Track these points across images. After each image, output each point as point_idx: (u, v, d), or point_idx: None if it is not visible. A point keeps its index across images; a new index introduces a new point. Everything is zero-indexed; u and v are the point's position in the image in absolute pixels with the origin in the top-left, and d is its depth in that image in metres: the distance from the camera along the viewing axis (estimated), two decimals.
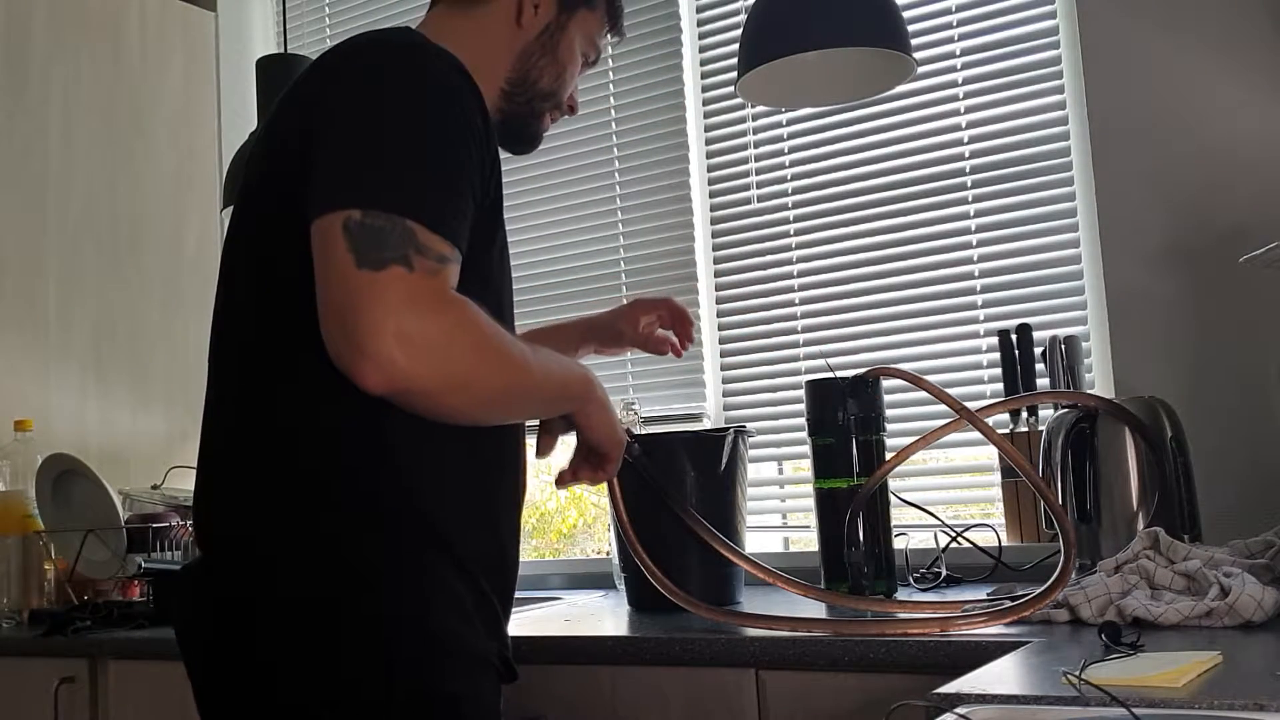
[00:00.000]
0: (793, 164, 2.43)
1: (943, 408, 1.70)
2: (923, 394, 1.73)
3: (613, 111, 2.63)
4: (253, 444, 1.26)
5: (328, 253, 1.12)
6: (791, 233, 2.42)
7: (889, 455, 1.83)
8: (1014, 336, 2.08)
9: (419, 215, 1.14)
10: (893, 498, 1.88)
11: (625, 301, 2.57)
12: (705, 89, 2.55)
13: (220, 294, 1.41)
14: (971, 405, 1.72)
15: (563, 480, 1.45)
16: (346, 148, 1.18)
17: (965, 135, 2.26)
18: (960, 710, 0.94)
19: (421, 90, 1.21)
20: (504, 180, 1.32)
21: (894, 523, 1.86)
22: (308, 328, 1.15)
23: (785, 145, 2.44)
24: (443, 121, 1.20)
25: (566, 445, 1.45)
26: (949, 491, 2.34)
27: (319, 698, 1.18)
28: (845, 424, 1.81)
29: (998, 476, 2.11)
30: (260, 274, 1.29)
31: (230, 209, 2.39)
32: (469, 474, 1.28)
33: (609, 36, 1.56)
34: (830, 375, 1.84)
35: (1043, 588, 1.50)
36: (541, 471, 3.24)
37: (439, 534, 1.24)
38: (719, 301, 2.49)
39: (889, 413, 1.88)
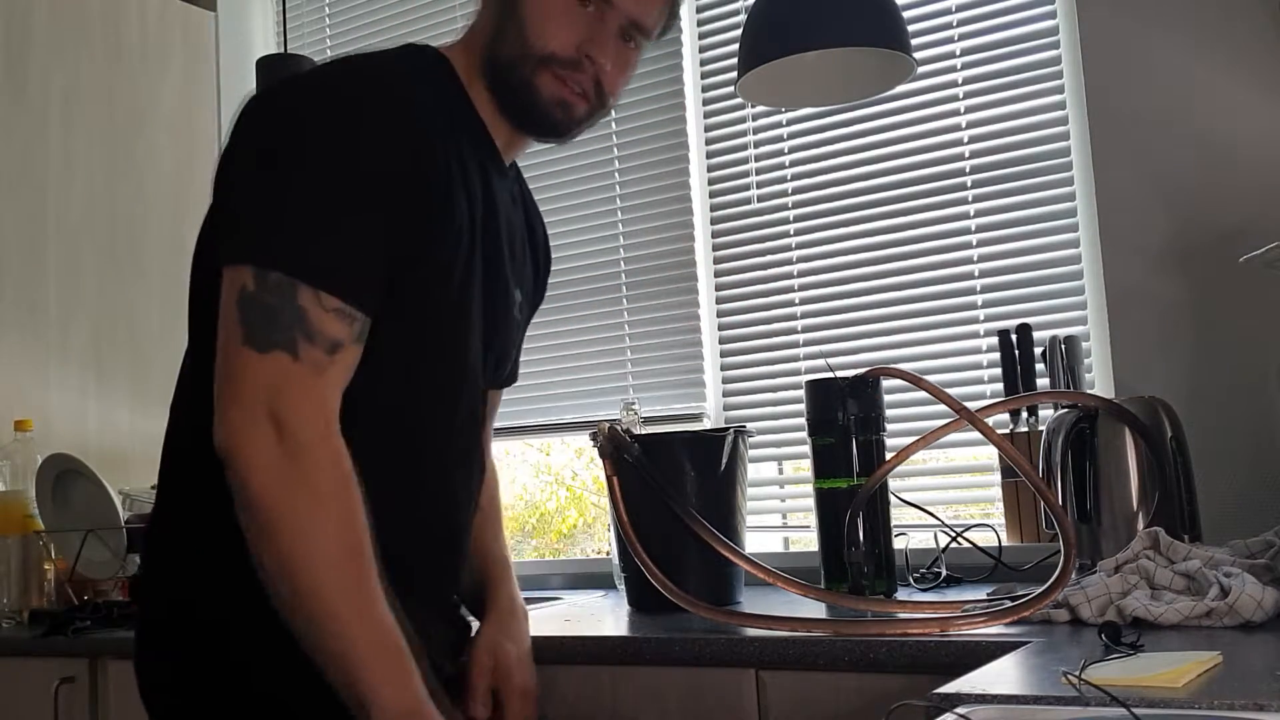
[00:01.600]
0: (793, 164, 2.43)
1: (943, 408, 1.70)
2: (923, 394, 1.73)
3: (613, 111, 2.62)
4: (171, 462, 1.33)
5: (225, 318, 1.14)
6: (791, 233, 2.42)
7: (889, 455, 1.83)
8: (1014, 336, 2.08)
9: (309, 275, 1.12)
10: (893, 498, 1.89)
11: (625, 300, 2.58)
12: (705, 89, 2.55)
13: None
14: (971, 405, 1.72)
15: None
16: (250, 194, 1.17)
17: (965, 135, 2.26)
18: (960, 710, 0.94)
19: (335, 137, 1.17)
20: None
21: (894, 523, 1.86)
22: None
23: (785, 145, 2.44)
24: (355, 172, 1.16)
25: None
26: (949, 491, 2.34)
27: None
28: (845, 424, 1.81)
29: (998, 476, 2.11)
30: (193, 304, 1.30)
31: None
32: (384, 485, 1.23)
33: None
34: (830, 375, 1.84)
35: (1043, 588, 1.50)
36: (542, 472, 3.24)
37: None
38: (719, 301, 2.49)
39: (889, 413, 1.88)
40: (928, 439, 1.78)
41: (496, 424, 1.59)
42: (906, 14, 1.95)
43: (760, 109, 2.44)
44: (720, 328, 2.49)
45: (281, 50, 2.59)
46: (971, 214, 2.25)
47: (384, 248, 1.17)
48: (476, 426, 1.39)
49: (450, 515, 1.35)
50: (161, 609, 1.27)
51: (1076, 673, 1.04)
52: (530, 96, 1.31)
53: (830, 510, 1.82)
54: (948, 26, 2.29)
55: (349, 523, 1.12)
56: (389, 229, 1.18)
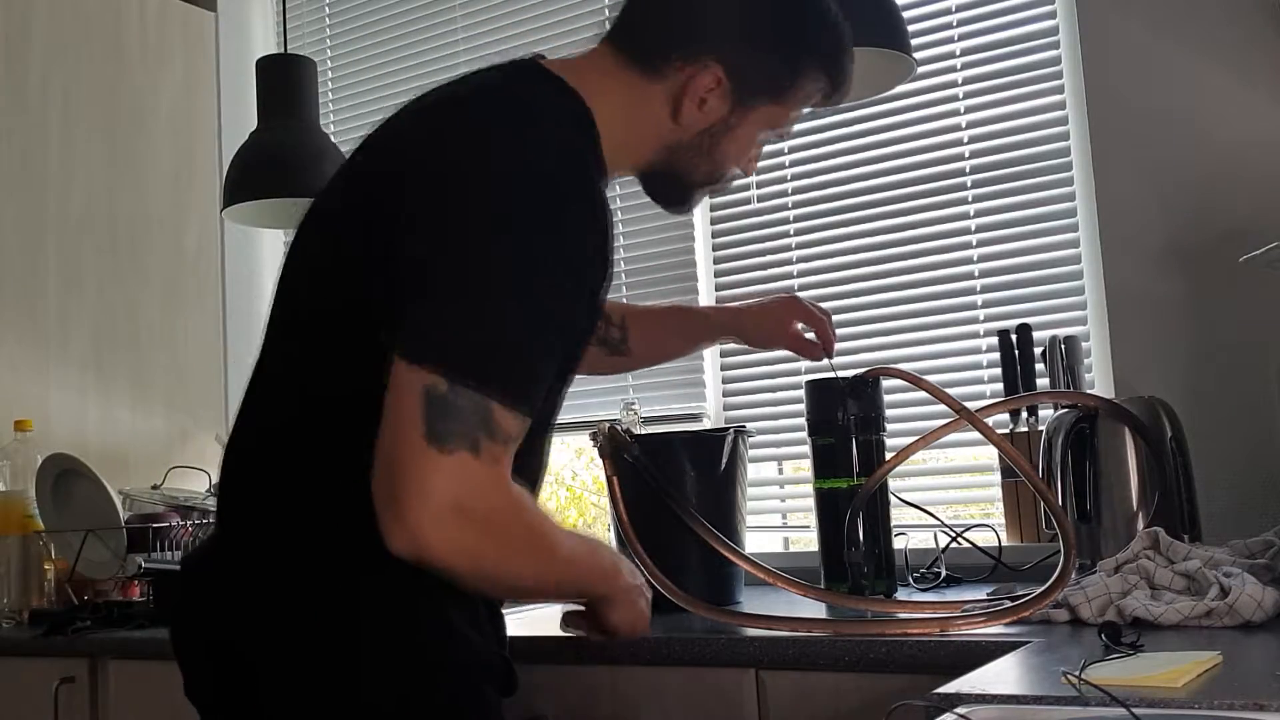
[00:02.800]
0: (793, 164, 2.43)
1: (943, 408, 1.70)
2: (923, 394, 1.73)
3: None
4: (277, 463, 1.26)
5: (401, 410, 1.10)
6: (791, 233, 2.42)
7: (889, 455, 1.83)
8: (1014, 336, 2.07)
9: (502, 396, 1.11)
10: (893, 498, 1.88)
11: (625, 300, 2.58)
12: None
13: (280, 325, 1.33)
14: (971, 405, 1.72)
15: (564, 623, 1.48)
16: (454, 288, 1.13)
17: (965, 135, 2.26)
18: (960, 710, 0.94)
19: (531, 215, 1.14)
20: None
21: (894, 523, 1.86)
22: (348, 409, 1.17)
23: (785, 145, 2.43)
24: (552, 255, 1.15)
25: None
26: (949, 491, 2.34)
27: (333, 714, 1.19)
28: (845, 424, 1.81)
29: (998, 476, 2.11)
30: (320, 352, 1.25)
31: (229, 209, 2.40)
32: None
33: (823, 105, 1.44)
34: (830, 375, 1.84)
35: (1043, 588, 1.50)
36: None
37: None
38: (719, 302, 2.49)
39: (889, 413, 1.88)
40: (928, 439, 1.78)
41: None
42: (906, 14, 1.95)
43: None
44: None
45: (281, 50, 2.58)
46: (971, 214, 2.25)
47: (565, 341, 1.21)
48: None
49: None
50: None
51: (1076, 673, 1.04)
52: (686, 203, 1.44)
53: (830, 510, 1.82)
54: (948, 26, 2.29)
55: (539, 522, 1.22)
56: (577, 317, 1.22)
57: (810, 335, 1.81)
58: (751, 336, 1.83)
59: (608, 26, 1.38)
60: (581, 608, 1.43)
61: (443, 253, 1.14)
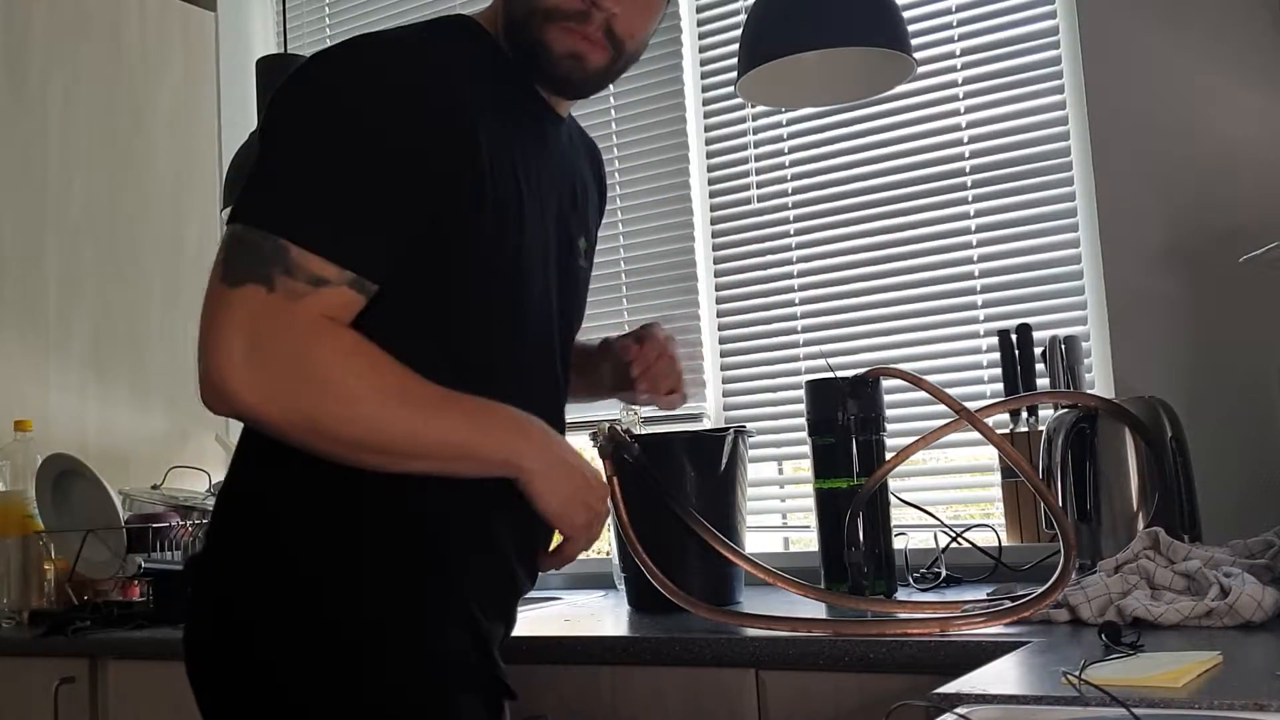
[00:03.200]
0: (793, 164, 2.43)
1: (943, 407, 1.70)
2: (923, 394, 1.73)
3: (613, 111, 2.63)
4: (256, 466, 1.26)
5: (215, 263, 1.14)
6: (791, 233, 2.42)
7: (888, 455, 1.83)
8: (1014, 336, 2.07)
9: (298, 235, 1.11)
10: (893, 498, 1.88)
11: (625, 300, 2.58)
12: (705, 89, 2.55)
13: None
14: (971, 405, 1.72)
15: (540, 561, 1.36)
16: (257, 165, 1.18)
17: (965, 135, 2.26)
18: (960, 710, 0.94)
19: (347, 104, 1.16)
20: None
21: (894, 523, 1.86)
22: None
23: (785, 145, 2.44)
24: (365, 138, 1.15)
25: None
26: (949, 491, 2.34)
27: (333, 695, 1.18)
28: (845, 424, 1.81)
29: (998, 476, 2.11)
30: None
31: (229, 209, 2.40)
32: (472, 500, 1.25)
33: None
34: (830, 375, 1.84)
35: (1042, 589, 1.50)
36: None
37: (443, 561, 1.23)
38: (719, 301, 2.49)
39: (889, 413, 1.88)
40: (928, 439, 1.78)
41: None
42: (906, 14, 1.95)
43: (760, 109, 2.44)
44: (720, 328, 2.49)
45: (281, 50, 2.58)
46: (971, 214, 2.25)
47: (392, 214, 1.16)
48: (557, 387, 1.39)
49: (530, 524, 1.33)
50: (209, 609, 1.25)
51: (1076, 673, 1.04)
52: (543, 53, 1.27)
53: (830, 510, 1.82)
54: (948, 26, 2.29)
55: (374, 369, 1.14)
56: (407, 196, 1.16)
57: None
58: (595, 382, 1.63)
59: None
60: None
61: (258, 144, 1.20)
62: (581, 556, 1.39)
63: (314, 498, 1.21)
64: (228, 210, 2.38)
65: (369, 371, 1.14)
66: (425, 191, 1.17)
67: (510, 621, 1.37)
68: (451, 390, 1.18)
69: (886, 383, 1.87)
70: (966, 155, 2.26)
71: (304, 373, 1.10)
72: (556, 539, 1.33)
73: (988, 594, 1.74)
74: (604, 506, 1.31)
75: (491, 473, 1.22)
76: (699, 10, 2.57)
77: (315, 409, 1.11)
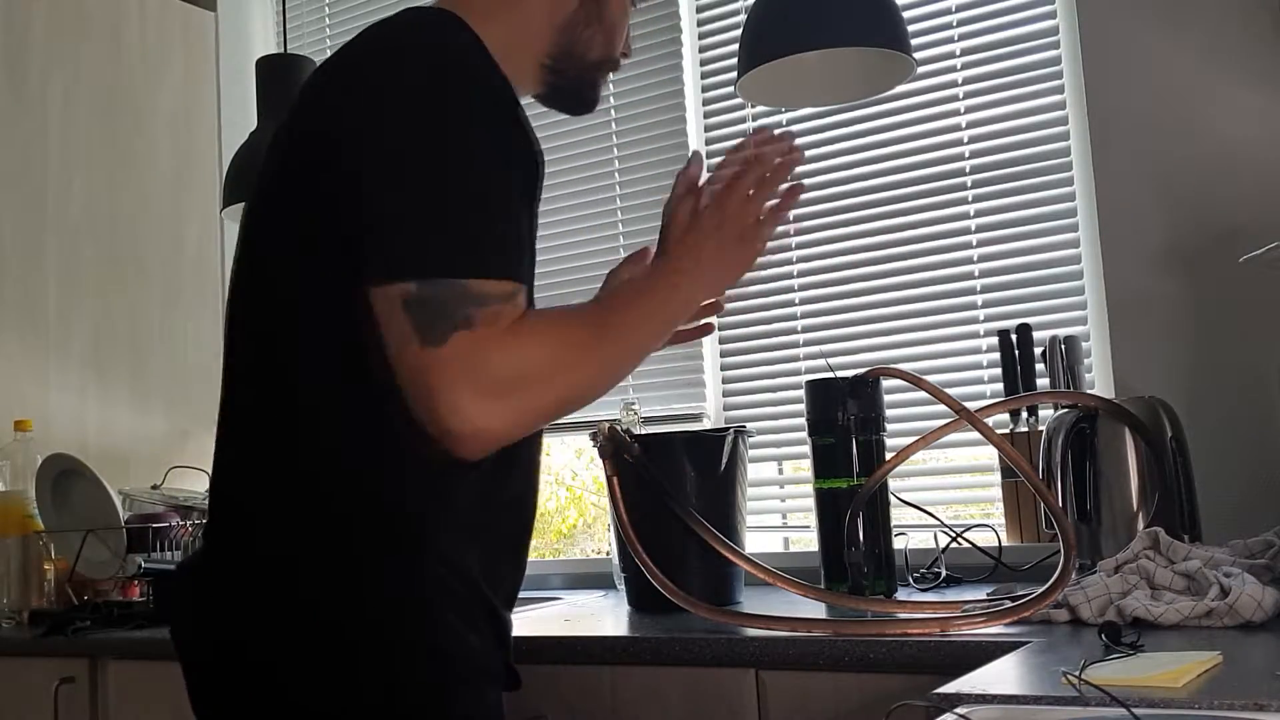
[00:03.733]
0: None
1: (943, 407, 1.70)
2: (923, 394, 1.73)
3: (613, 111, 2.63)
4: (266, 463, 1.27)
5: (393, 332, 1.11)
6: (791, 233, 2.42)
7: (888, 455, 1.83)
8: (1014, 336, 2.07)
9: (476, 272, 1.11)
10: (893, 498, 1.88)
11: None
12: (705, 89, 2.55)
13: (239, 308, 1.34)
14: (971, 405, 1.72)
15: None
16: (400, 203, 1.14)
17: (965, 135, 2.26)
18: (960, 710, 0.94)
19: (467, 115, 1.16)
20: None
21: (894, 523, 1.86)
22: (337, 367, 1.17)
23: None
24: (491, 148, 1.16)
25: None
26: (949, 491, 2.34)
27: (332, 696, 1.18)
28: (845, 424, 1.81)
29: (998, 476, 2.11)
30: (290, 306, 1.24)
31: (229, 209, 2.40)
32: (479, 493, 1.26)
33: None
34: (830, 375, 1.84)
35: (1042, 589, 1.50)
36: (542, 471, 3.22)
37: (447, 552, 1.24)
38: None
39: (889, 413, 1.88)
40: (928, 439, 1.78)
41: None
42: (906, 14, 1.95)
43: (760, 109, 2.44)
44: (720, 328, 2.49)
45: (281, 50, 2.58)
46: (971, 214, 2.25)
47: (520, 213, 1.20)
48: None
49: (536, 497, 1.38)
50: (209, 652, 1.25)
51: (1076, 673, 1.04)
52: (584, 91, 1.40)
53: (830, 510, 1.82)
54: (948, 26, 2.29)
55: (562, 321, 1.19)
56: (520, 195, 1.21)
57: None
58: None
59: None
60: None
61: (381, 184, 1.16)
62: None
63: (316, 515, 1.21)
64: (228, 210, 2.40)
65: (569, 326, 1.18)
66: (525, 192, 1.22)
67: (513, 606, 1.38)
68: (596, 304, 1.24)
69: (886, 383, 1.87)
70: (966, 155, 2.26)
71: (538, 367, 1.13)
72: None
73: (988, 594, 1.74)
74: (736, 222, 1.29)
75: (679, 319, 1.27)
76: (699, 10, 2.57)
77: (557, 396, 1.15)
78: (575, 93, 1.40)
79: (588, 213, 2.64)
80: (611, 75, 1.44)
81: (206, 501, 2.39)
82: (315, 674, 1.18)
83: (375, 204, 1.15)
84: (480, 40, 1.24)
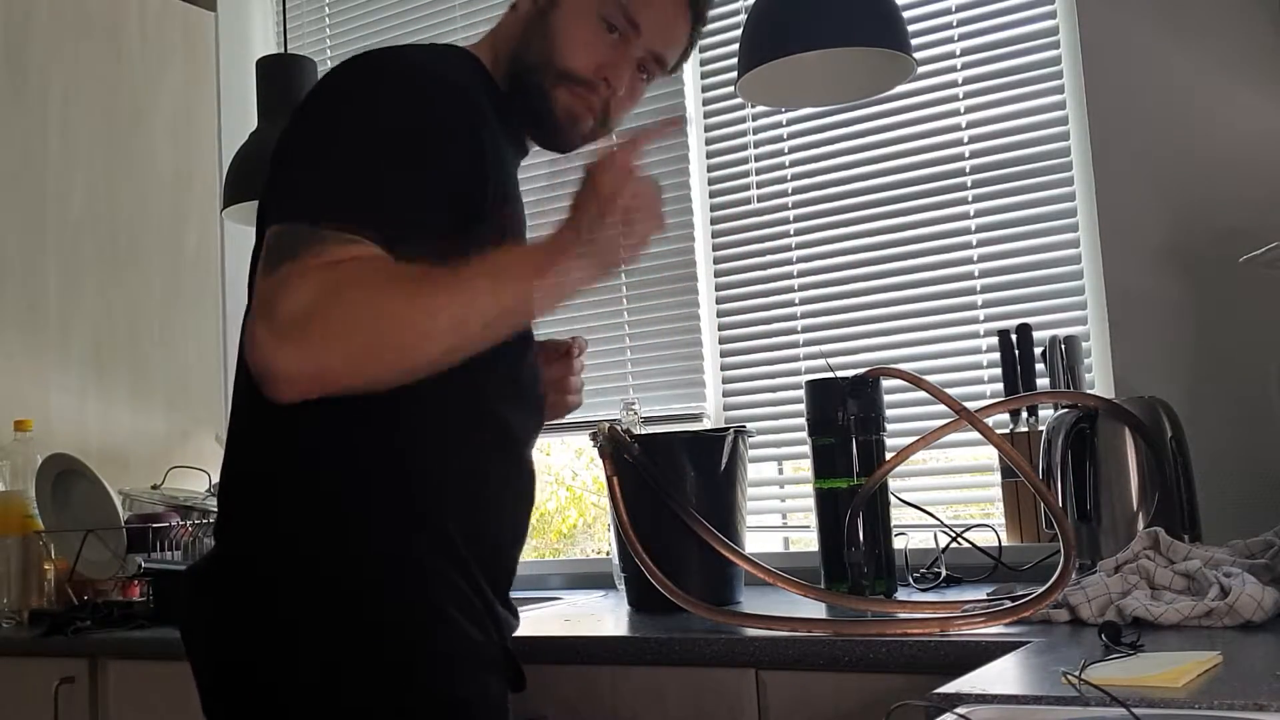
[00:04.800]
0: (793, 164, 2.43)
1: (943, 407, 1.70)
2: (923, 394, 1.73)
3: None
4: (257, 457, 1.27)
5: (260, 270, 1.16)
6: (791, 233, 2.42)
7: (888, 455, 1.83)
8: (1014, 336, 2.07)
9: (328, 217, 1.12)
10: (892, 498, 1.88)
11: (625, 300, 2.58)
12: (705, 89, 2.55)
13: None
14: (971, 405, 1.72)
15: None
16: (279, 167, 1.22)
17: (965, 135, 2.26)
18: (960, 710, 0.94)
19: (360, 101, 1.21)
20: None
21: (894, 523, 1.86)
22: None
23: (785, 145, 2.44)
24: (400, 126, 1.18)
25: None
26: (949, 491, 2.34)
27: (330, 709, 1.19)
28: (845, 424, 1.81)
29: (998, 476, 2.11)
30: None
31: (229, 209, 2.40)
32: (474, 482, 1.28)
33: None
34: (831, 375, 1.84)
35: (1043, 589, 1.50)
36: (542, 472, 3.23)
37: (445, 541, 1.25)
38: (719, 301, 2.49)
39: (889, 413, 1.88)
40: (928, 439, 1.78)
41: None
42: (906, 14, 1.95)
43: (760, 109, 2.44)
44: (720, 328, 2.49)
45: (281, 50, 2.58)
46: (971, 214, 2.25)
47: (415, 183, 1.18)
48: (540, 399, 1.43)
49: (530, 490, 1.39)
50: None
51: (1076, 673, 1.04)
52: (544, 103, 1.37)
53: (830, 510, 1.82)
54: (948, 26, 2.29)
55: (376, 280, 1.10)
56: (428, 177, 1.18)
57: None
58: None
59: None
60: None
61: (284, 146, 1.23)
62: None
63: (326, 496, 1.23)
64: (229, 210, 2.40)
65: (389, 280, 1.11)
66: (444, 178, 1.19)
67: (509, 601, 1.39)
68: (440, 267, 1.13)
69: (886, 383, 1.87)
70: (966, 155, 2.26)
71: (306, 320, 1.07)
72: None
73: (988, 594, 1.74)
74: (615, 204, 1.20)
75: (533, 307, 1.21)
76: None
77: (363, 352, 1.09)
78: (532, 104, 1.37)
79: None
80: (574, 89, 1.37)
81: (206, 501, 2.41)
82: (312, 674, 1.19)
83: (276, 164, 1.22)
84: (469, 70, 1.32)
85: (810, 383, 1.86)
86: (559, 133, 1.40)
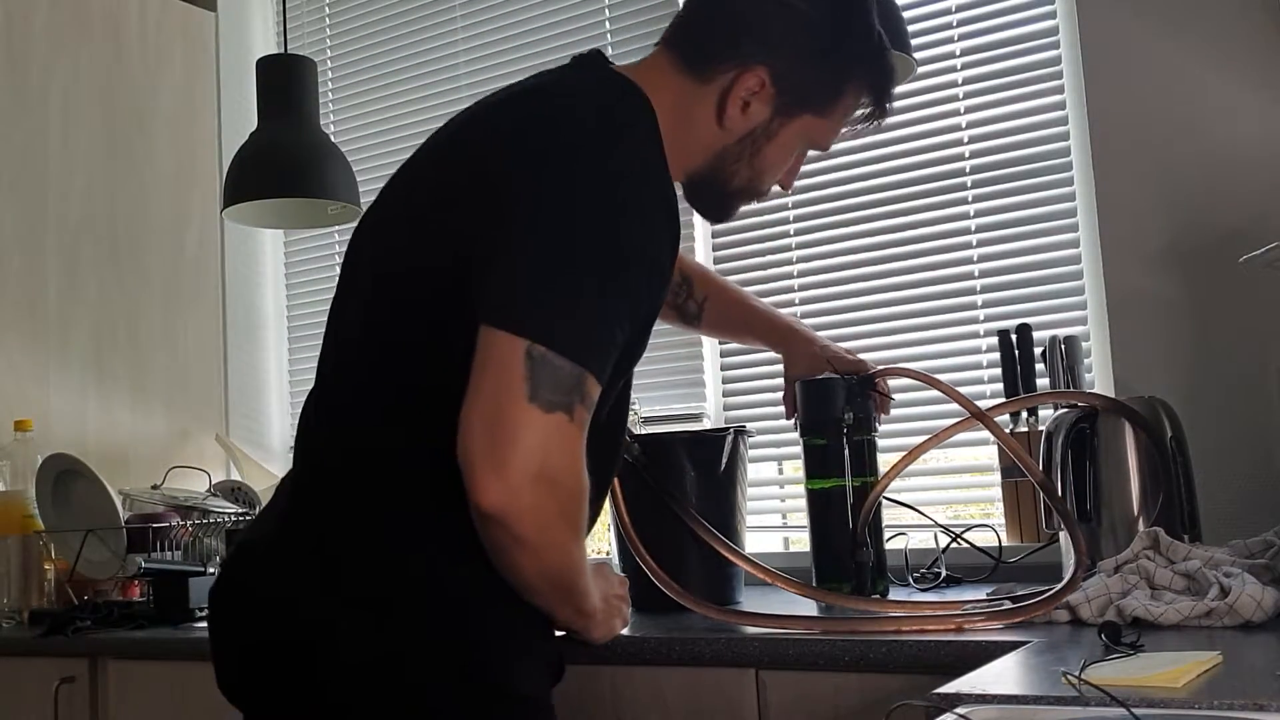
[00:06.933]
0: None
1: (942, 408, 1.70)
2: (921, 394, 1.73)
3: None
4: (354, 466, 1.28)
5: (502, 368, 1.13)
6: (791, 233, 2.42)
7: (887, 455, 1.83)
8: (1014, 336, 2.07)
9: (592, 367, 1.15)
10: (885, 499, 1.88)
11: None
12: None
13: (352, 296, 1.37)
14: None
15: None
16: (538, 262, 1.17)
17: (965, 135, 2.26)
18: (960, 710, 0.94)
19: (617, 202, 1.20)
20: None
21: (894, 523, 1.86)
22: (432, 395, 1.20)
23: None
24: (635, 244, 1.21)
25: None
26: (949, 491, 2.34)
27: (399, 702, 1.20)
28: (837, 425, 1.80)
29: (998, 476, 2.11)
30: (402, 323, 1.28)
31: (229, 209, 2.40)
32: None
33: (859, 126, 1.46)
34: (835, 375, 1.83)
35: (1049, 593, 1.50)
36: None
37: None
38: None
39: (891, 412, 1.87)
40: (938, 438, 1.78)
41: None
42: (906, 14, 1.95)
43: None
44: None
45: (281, 50, 2.58)
46: (971, 214, 2.25)
47: (635, 314, 1.25)
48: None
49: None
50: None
51: (1076, 673, 1.04)
52: (725, 210, 1.46)
53: (822, 511, 1.81)
54: (948, 26, 2.29)
55: (579, 540, 1.25)
56: (645, 297, 1.26)
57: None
58: (792, 360, 1.86)
59: (666, 32, 1.42)
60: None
61: (534, 232, 1.18)
62: None
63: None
64: (229, 210, 2.40)
65: (581, 531, 1.23)
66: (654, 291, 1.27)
67: None
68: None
69: (892, 382, 1.87)
70: (966, 155, 2.26)
71: (569, 512, 1.18)
72: None
73: (988, 594, 1.74)
74: (627, 605, 1.46)
75: (569, 624, 1.34)
76: None
77: (556, 545, 1.19)
78: (705, 207, 1.46)
79: None
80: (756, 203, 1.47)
81: (207, 501, 2.40)
82: (382, 670, 1.20)
83: (520, 252, 1.17)
84: (654, 123, 1.30)
85: (803, 383, 1.86)
86: (720, 220, 1.55)
